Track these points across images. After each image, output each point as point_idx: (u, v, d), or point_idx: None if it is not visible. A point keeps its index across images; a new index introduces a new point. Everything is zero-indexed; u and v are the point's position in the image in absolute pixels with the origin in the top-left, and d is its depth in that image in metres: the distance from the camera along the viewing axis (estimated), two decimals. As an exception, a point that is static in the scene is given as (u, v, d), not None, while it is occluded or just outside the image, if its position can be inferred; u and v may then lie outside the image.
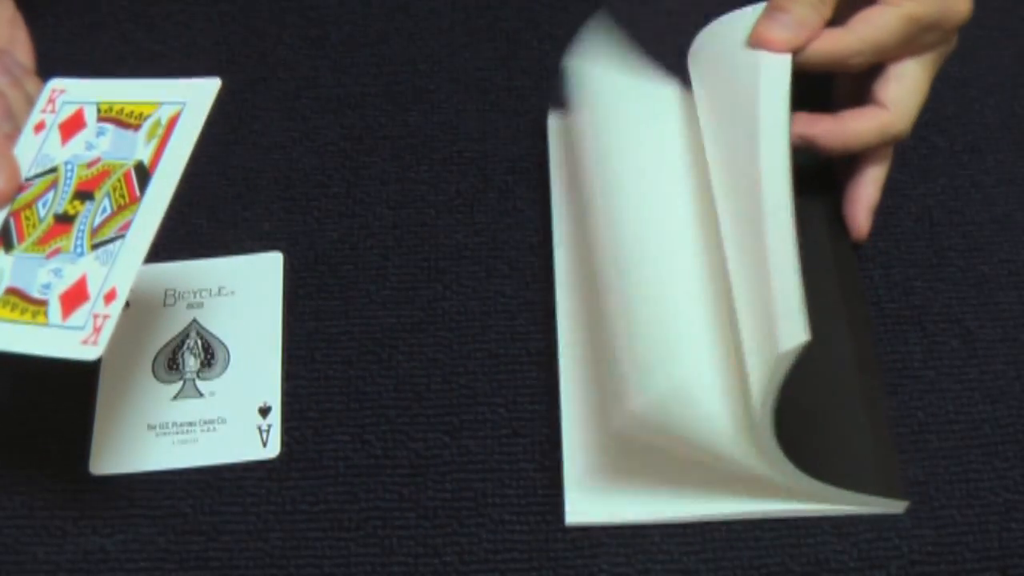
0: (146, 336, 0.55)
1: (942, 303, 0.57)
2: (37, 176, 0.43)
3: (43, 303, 0.43)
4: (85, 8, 0.68)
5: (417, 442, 0.53)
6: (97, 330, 0.41)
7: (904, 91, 0.54)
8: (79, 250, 0.43)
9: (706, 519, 0.50)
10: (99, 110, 0.44)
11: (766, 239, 0.46)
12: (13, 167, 0.44)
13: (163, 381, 0.54)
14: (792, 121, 0.52)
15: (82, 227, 0.43)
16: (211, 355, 0.55)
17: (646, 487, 0.50)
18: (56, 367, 0.54)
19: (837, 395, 0.52)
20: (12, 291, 0.42)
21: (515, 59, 0.66)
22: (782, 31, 0.52)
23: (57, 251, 0.43)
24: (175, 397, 0.53)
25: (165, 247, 0.58)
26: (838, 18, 0.53)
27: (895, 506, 0.50)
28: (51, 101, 0.45)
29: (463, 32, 0.68)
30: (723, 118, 0.53)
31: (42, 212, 0.43)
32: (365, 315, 0.56)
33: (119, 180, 0.43)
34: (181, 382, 0.54)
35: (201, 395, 0.53)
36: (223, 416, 0.53)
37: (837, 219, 0.58)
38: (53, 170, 0.43)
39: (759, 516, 0.50)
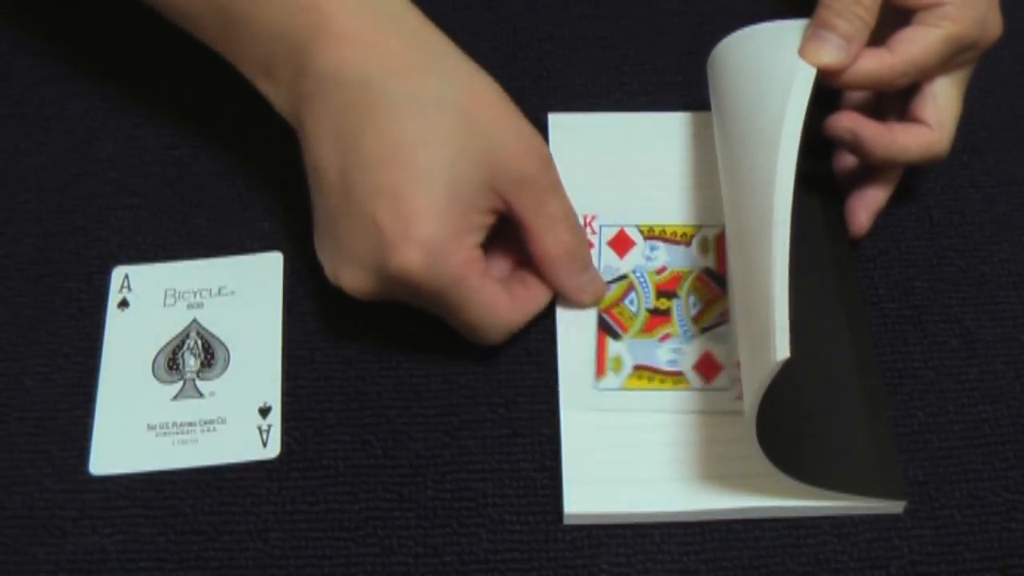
0: (146, 336, 0.55)
1: (942, 303, 0.57)
2: (613, 281, 0.56)
3: (678, 374, 0.53)
4: (85, 8, 0.68)
5: (417, 442, 0.53)
6: (739, 392, 0.52)
7: (944, 111, 0.55)
8: (688, 334, 0.54)
9: (705, 516, 0.50)
10: (641, 231, 0.57)
11: (773, 249, 0.46)
12: (600, 279, 0.56)
13: (163, 381, 0.54)
14: (839, 115, 0.54)
15: (680, 317, 0.55)
16: (211, 355, 0.55)
17: (647, 480, 0.50)
18: (55, 367, 0.54)
19: (836, 395, 0.52)
20: (641, 367, 0.53)
21: (515, 59, 0.66)
22: (833, 52, 0.52)
23: (667, 336, 0.54)
24: (175, 397, 0.53)
25: (165, 247, 0.58)
26: (875, 35, 0.54)
27: (894, 506, 0.50)
28: (588, 225, 0.57)
29: (463, 32, 0.67)
30: (746, 127, 0.53)
31: (633, 308, 0.55)
32: (365, 315, 0.56)
33: (695, 282, 0.56)
34: (181, 382, 0.54)
35: (201, 395, 0.53)
36: (223, 416, 0.53)
37: (837, 219, 0.58)
38: (624, 277, 0.56)
39: (759, 514, 0.50)
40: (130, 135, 0.63)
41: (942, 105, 0.55)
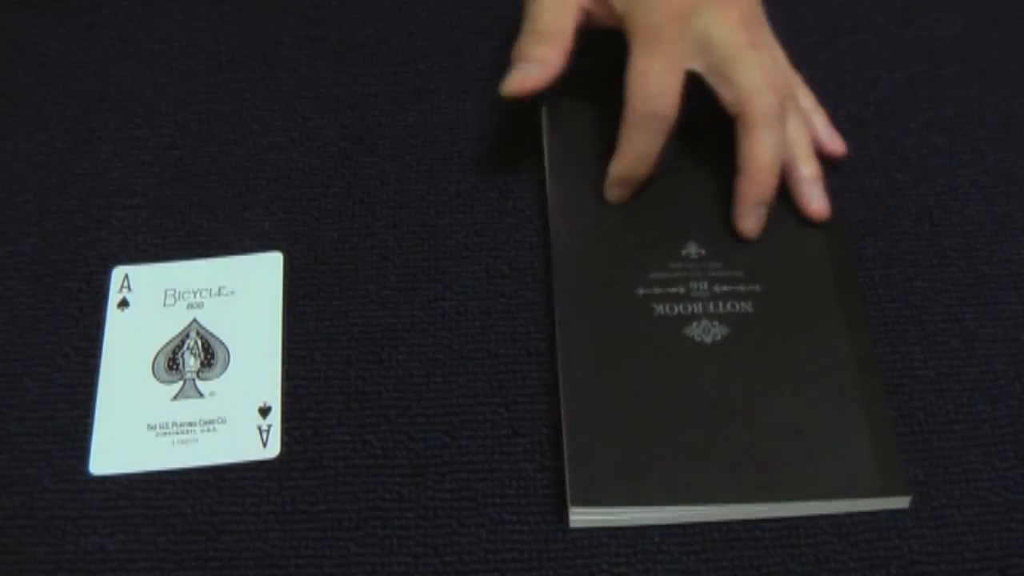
0: (146, 336, 0.55)
1: (942, 303, 0.57)
2: None
3: None
4: (85, 8, 0.68)
5: (417, 442, 0.53)
6: None
7: (727, 88, 0.55)
8: None
9: (709, 518, 0.50)
10: None
11: None
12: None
13: (163, 381, 0.54)
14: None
15: None
16: (211, 355, 0.55)
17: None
18: (55, 367, 0.54)
19: (836, 395, 0.52)
20: None
21: (515, 59, 0.66)
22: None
23: None
24: (175, 397, 0.53)
25: (165, 247, 0.58)
26: None
27: (898, 502, 0.50)
28: None
29: (463, 32, 0.68)
30: None
31: None
32: (365, 315, 0.56)
33: None
34: (181, 382, 0.54)
35: (201, 395, 0.53)
36: (223, 416, 0.53)
37: (833, 216, 0.58)
38: None
39: (764, 516, 0.50)
40: (130, 135, 0.63)
41: (736, 80, 0.55)
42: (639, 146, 0.56)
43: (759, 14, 0.57)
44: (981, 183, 0.61)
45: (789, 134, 0.57)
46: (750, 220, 0.56)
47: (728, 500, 0.50)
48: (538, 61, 0.57)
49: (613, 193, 0.58)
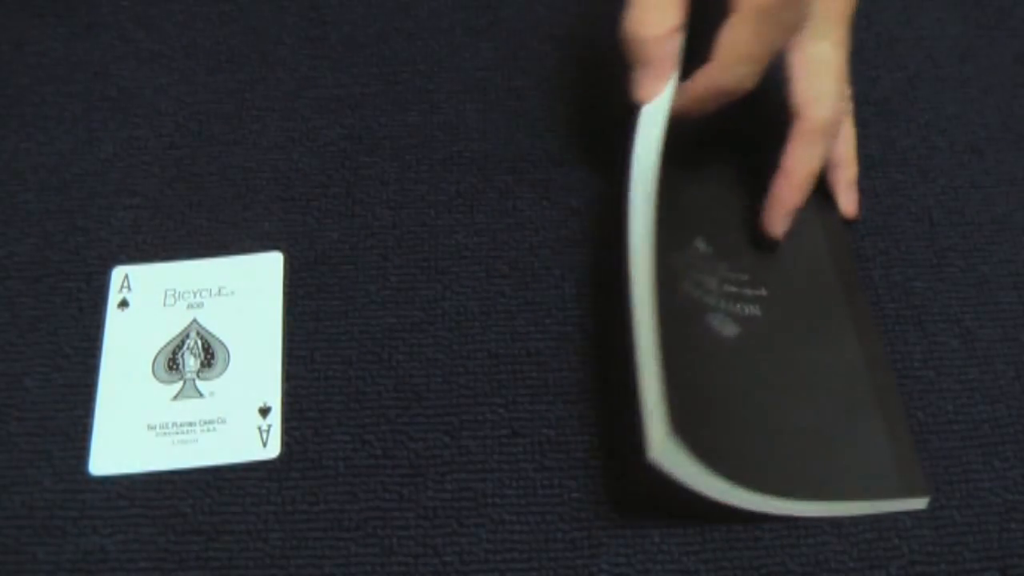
0: (146, 336, 0.55)
1: (942, 303, 0.57)
2: None
3: None
4: (85, 8, 0.68)
5: (417, 442, 0.53)
6: None
7: (803, 82, 0.53)
8: None
9: (743, 506, 0.49)
10: None
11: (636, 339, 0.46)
12: None
13: (163, 381, 0.54)
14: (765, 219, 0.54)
15: None
16: (211, 355, 0.55)
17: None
18: (55, 367, 0.54)
19: (849, 397, 0.52)
20: None
21: (515, 59, 0.66)
22: (641, 88, 0.52)
23: None
24: (175, 397, 0.53)
25: (165, 247, 0.58)
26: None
27: (918, 503, 0.50)
28: None
29: (463, 32, 0.68)
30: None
31: None
32: (365, 315, 0.56)
33: None
34: (181, 382, 0.54)
35: (201, 395, 0.53)
36: (223, 416, 0.53)
37: (833, 220, 0.58)
38: None
39: (788, 513, 0.49)
40: (130, 135, 0.63)
41: (801, 77, 0.53)
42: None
43: (852, 14, 0.56)
44: (981, 183, 0.61)
45: (843, 133, 0.57)
46: (781, 224, 0.56)
47: (761, 491, 0.48)
48: (646, 62, 0.52)
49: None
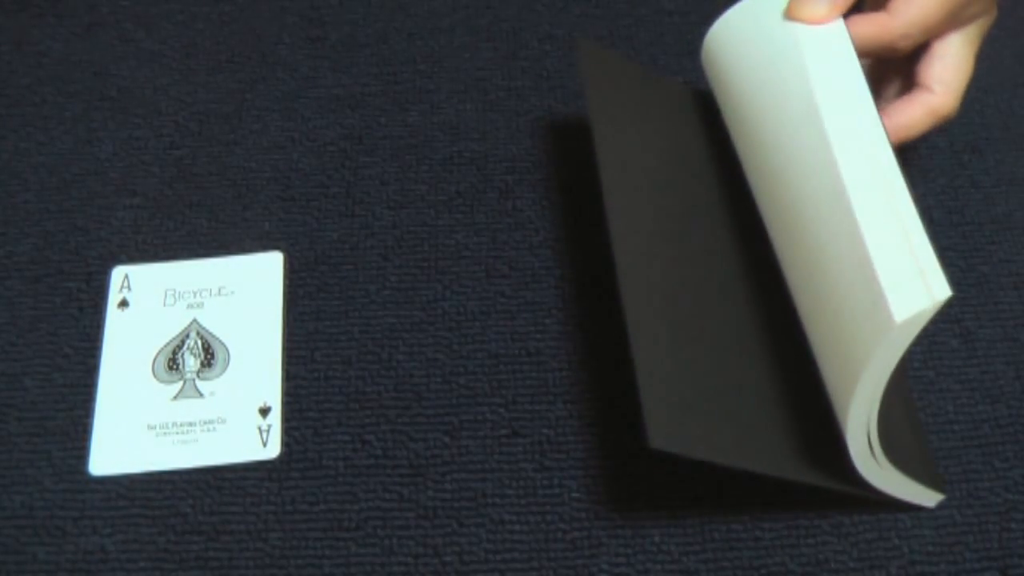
0: (146, 336, 0.55)
1: (942, 303, 0.57)
2: None
3: None
4: (85, 8, 0.68)
5: (417, 442, 0.53)
6: None
7: (949, 70, 0.54)
8: None
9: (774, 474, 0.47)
10: None
11: (853, 211, 0.45)
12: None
13: (163, 381, 0.54)
14: None
15: None
16: (211, 355, 0.55)
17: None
18: (55, 367, 0.54)
19: (893, 394, 0.51)
20: None
21: (515, 59, 0.66)
22: (817, 5, 0.52)
23: None
24: (175, 397, 0.53)
25: (165, 247, 0.58)
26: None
27: (933, 497, 0.50)
28: None
29: (463, 32, 0.68)
30: (767, 102, 0.52)
31: None
32: (365, 315, 0.56)
33: None
34: (181, 382, 0.54)
35: (201, 395, 0.53)
36: (223, 416, 0.53)
37: None
38: None
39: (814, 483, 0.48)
40: (130, 135, 0.63)
41: (948, 64, 0.54)
42: None
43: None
44: (981, 183, 0.61)
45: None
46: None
47: (778, 472, 0.47)
48: None
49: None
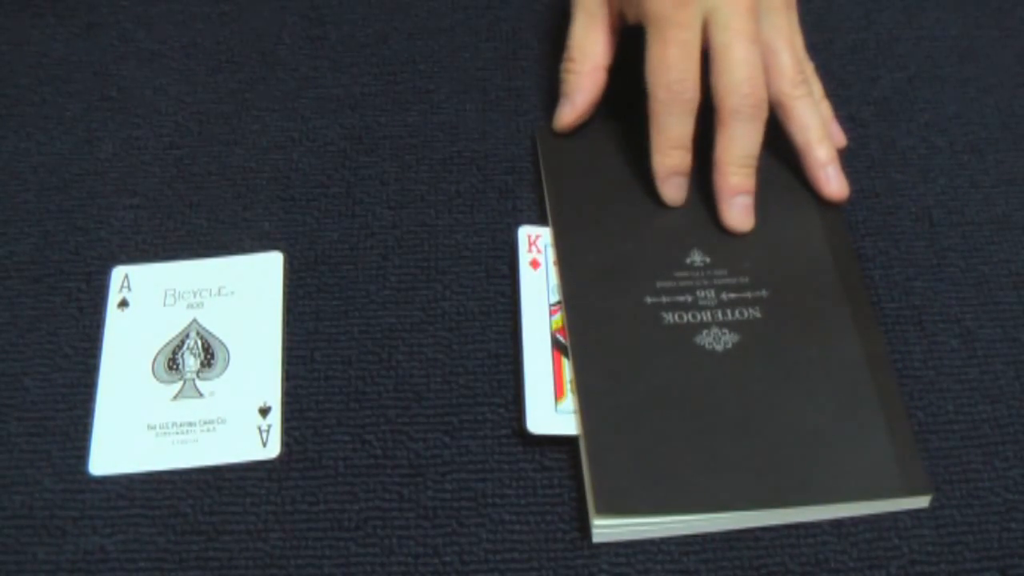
0: (146, 336, 0.55)
1: (942, 303, 0.57)
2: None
3: None
4: (85, 8, 0.68)
5: (417, 442, 0.53)
6: None
7: (715, 75, 0.56)
8: None
9: (735, 525, 0.50)
10: None
11: None
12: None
13: (163, 381, 0.54)
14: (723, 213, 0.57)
15: None
16: (211, 355, 0.55)
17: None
18: (55, 367, 0.54)
19: (852, 396, 0.52)
20: None
21: (515, 59, 0.66)
22: (562, 112, 0.61)
23: None
24: (175, 397, 0.53)
25: (165, 247, 0.58)
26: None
27: (920, 501, 0.50)
28: (533, 244, 0.58)
29: (463, 32, 0.68)
30: None
31: None
32: (365, 315, 0.56)
33: None
34: (181, 382, 0.54)
35: (201, 395, 0.53)
36: (223, 416, 0.53)
37: (836, 220, 0.58)
38: None
39: (788, 521, 0.50)
40: (130, 135, 0.63)
41: (712, 70, 0.55)
42: (671, 134, 0.56)
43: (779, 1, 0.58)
44: (981, 183, 0.61)
45: (800, 119, 0.57)
46: (731, 213, 0.57)
47: (752, 506, 0.49)
48: (567, 95, 0.60)
49: (669, 190, 0.58)
